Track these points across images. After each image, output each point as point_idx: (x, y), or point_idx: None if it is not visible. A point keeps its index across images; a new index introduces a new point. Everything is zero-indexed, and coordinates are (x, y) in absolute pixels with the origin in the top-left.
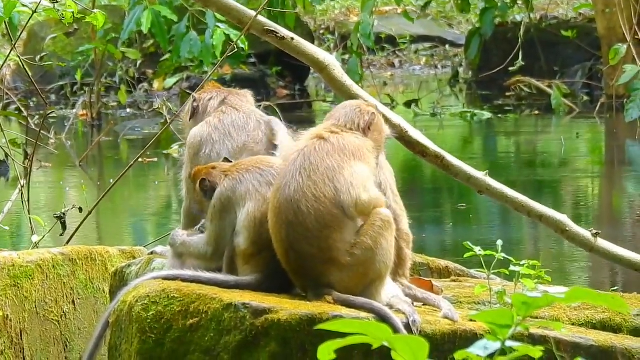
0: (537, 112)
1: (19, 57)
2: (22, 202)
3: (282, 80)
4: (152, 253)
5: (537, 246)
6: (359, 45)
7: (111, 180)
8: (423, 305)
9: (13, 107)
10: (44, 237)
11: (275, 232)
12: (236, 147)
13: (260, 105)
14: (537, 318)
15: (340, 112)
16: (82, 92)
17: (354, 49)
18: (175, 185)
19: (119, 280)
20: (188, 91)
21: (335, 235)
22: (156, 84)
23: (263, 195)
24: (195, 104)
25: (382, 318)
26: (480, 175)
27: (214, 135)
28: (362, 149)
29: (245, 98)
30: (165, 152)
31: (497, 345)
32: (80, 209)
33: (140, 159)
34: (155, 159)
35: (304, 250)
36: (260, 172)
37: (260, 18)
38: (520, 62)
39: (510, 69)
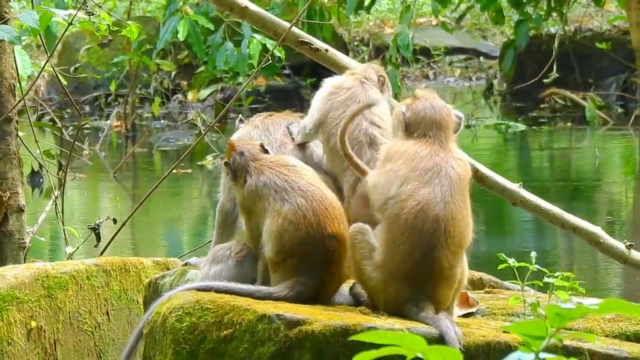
0: (571, 124)
1: (53, 68)
2: (56, 213)
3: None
4: (186, 264)
5: (571, 258)
6: (396, 57)
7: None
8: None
9: (47, 118)
10: (78, 248)
11: (414, 240)
12: (273, 140)
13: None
14: (570, 330)
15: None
16: (116, 103)
17: (392, 61)
18: (210, 196)
19: (153, 291)
20: (222, 102)
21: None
22: (190, 95)
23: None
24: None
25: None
26: (515, 187)
27: (253, 133)
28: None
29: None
30: (199, 163)
31: (531, 357)
32: (115, 220)
33: (174, 170)
34: (190, 171)
35: (440, 263)
36: (285, 176)
37: (295, 29)
38: (554, 74)
39: (545, 80)
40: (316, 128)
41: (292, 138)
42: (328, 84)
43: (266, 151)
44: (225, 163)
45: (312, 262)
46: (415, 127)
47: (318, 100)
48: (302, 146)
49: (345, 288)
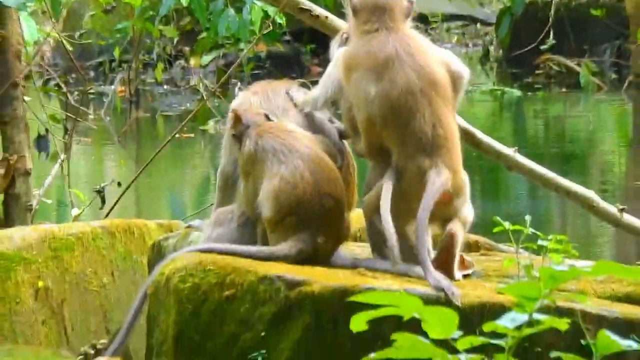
0: (565, 90)
1: (58, 34)
2: (63, 176)
3: (316, 58)
4: (189, 227)
5: (565, 221)
6: None
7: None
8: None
9: (53, 83)
10: (83, 210)
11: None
12: (274, 107)
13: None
14: (563, 291)
15: None
16: (120, 69)
17: None
18: (212, 160)
19: (157, 253)
20: (224, 68)
21: None
22: (192, 61)
23: (282, 165)
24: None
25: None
26: (510, 152)
27: (253, 100)
28: None
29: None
30: (201, 128)
31: (524, 317)
32: (119, 184)
33: (177, 135)
34: (192, 135)
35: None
36: (283, 140)
37: None
38: (550, 41)
39: (541, 47)
40: (327, 104)
41: (294, 103)
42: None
43: (268, 117)
44: (233, 135)
45: (310, 221)
46: (364, 15)
47: (330, 76)
48: (308, 113)
49: (343, 251)
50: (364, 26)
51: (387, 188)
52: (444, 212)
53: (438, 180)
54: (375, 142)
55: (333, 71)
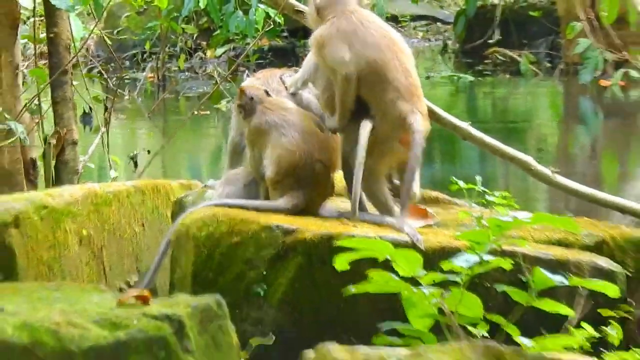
0: (509, 76)
1: (100, 31)
2: (103, 145)
3: (309, 51)
4: (205, 186)
5: (508, 181)
6: None
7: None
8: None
9: (95, 70)
10: (120, 173)
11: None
12: (271, 89)
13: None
14: (508, 237)
15: None
16: (150, 59)
17: None
18: (224, 133)
19: (179, 207)
20: (234, 58)
21: None
22: (209, 53)
23: (283, 136)
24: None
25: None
26: (465, 125)
27: (256, 83)
28: None
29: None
30: (215, 106)
31: (476, 258)
32: (149, 151)
33: (195, 112)
34: (208, 112)
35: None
36: (283, 116)
37: (292, 0)
38: (497, 36)
39: (489, 41)
40: (305, 84)
41: (285, 87)
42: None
43: (269, 95)
44: (238, 105)
45: (304, 181)
46: (327, 9)
47: (307, 61)
48: (294, 93)
49: (329, 204)
50: (327, 16)
51: (364, 127)
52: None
53: (420, 127)
54: (350, 104)
55: (309, 56)
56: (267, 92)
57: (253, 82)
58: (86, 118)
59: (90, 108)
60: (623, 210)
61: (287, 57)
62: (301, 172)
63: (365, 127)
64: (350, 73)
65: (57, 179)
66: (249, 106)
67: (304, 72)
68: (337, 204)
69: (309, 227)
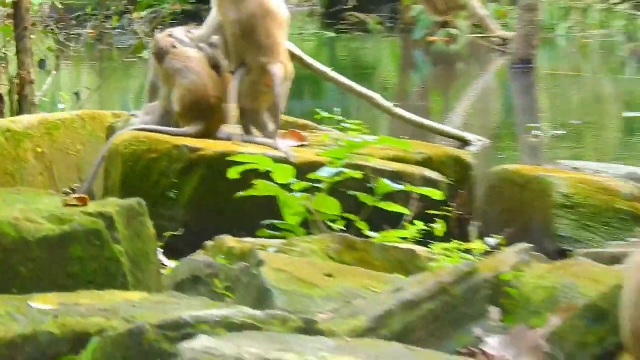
0: (362, 34)
1: None
2: (54, 84)
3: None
4: (131, 115)
5: (360, 112)
6: None
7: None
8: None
9: (49, 28)
10: (67, 105)
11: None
12: (179, 41)
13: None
14: (359, 154)
15: None
16: (91, 19)
17: None
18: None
19: (111, 131)
20: (154, 19)
21: None
22: (135, 15)
23: (185, 79)
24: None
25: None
26: (328, 70)
27: (167, 36)
28: None
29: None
30: (139, 55)
31: (335, 170)
32: (89, 89)
33: (124, 60)
34: (135, 60)
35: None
36: (185, 63)
37: None
38: (353, 3)
39: (346, 7)
40: (209, 37)
41: (191, 39)
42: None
43: (176, 47)
44: (153, 53)
45: (203, 113)
46: None
47: (210, 18)
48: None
49: (224, 129)
50: None
51: (235, 78)
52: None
53: (279, 73)
54: (238, 53)
55: (212, 13)
56: (174, 45)
57: (165, 36)
58: (42, 64)
59: (46, 56)
60: (445, 134)
61: (194, 18)
62: (200, 107)
63: (237, 76)
64: (235, 31)
65: (19, 110)
66: (161, 54)
67: (208, 27)
68: (232, 129)
69: (210, 146)
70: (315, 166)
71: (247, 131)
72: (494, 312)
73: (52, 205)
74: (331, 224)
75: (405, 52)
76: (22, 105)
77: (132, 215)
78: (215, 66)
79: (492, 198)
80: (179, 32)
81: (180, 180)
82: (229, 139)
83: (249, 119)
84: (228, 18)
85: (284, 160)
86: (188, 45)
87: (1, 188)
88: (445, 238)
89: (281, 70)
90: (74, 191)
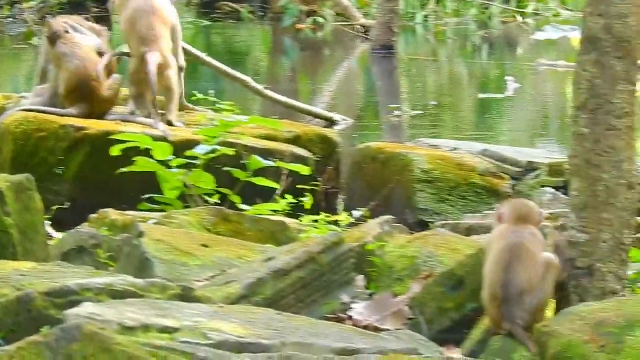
0: (234, 22)
1: None
2: None
3: (95, 3)
4: (21, 97)
5: (232, 94)
6: None
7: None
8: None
9: None
10: None
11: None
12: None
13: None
14: (232, 133)
15: None
16: None
17: None
18: (36, 59)
19: (2, 111)
20: (43, 8)
21: None
22: (25, 4)
23: (70, 64)
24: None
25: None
26: (203, 55)
27: (59, 23)
28: None
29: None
30: (29, 42)
31: (210, 148)
32: None
33: (15, 46)
34: (25, 46)
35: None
36: (72, 49)
37: None
38: None
39: None
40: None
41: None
42: None
43: (67, 32)
44: (46, 37)
45: (85, 95)
46: None
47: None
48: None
49: (113, 111)
50: None
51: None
52: (162, 81)
53: (153, 59)
54: (132, 43)
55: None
56: (66, 30)
57: (60, 21)
58: None
59: None
60: (312, 114)
61: (80, 9)
62: (83, 90)
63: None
64: (125, 26)
65: None
66: (54, 37)
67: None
68: (121, 110)
69: (94, 126)
70: (191, 144)
71: (132, 113)
72: (360, 279)
73: None
74: (207, 198)
75: (275, 39)
76: None
77: (21, 190)
78: (100, 54)
79: (356, 173)
80: (74, 19)
81: (66, 157)
82: (115, 118)
83: (135, 102)
84: (121, 14)
85: (163, 139)
86: (81, 33)
87: None
88: (314, 211)
89: (157, 58)
90: None
